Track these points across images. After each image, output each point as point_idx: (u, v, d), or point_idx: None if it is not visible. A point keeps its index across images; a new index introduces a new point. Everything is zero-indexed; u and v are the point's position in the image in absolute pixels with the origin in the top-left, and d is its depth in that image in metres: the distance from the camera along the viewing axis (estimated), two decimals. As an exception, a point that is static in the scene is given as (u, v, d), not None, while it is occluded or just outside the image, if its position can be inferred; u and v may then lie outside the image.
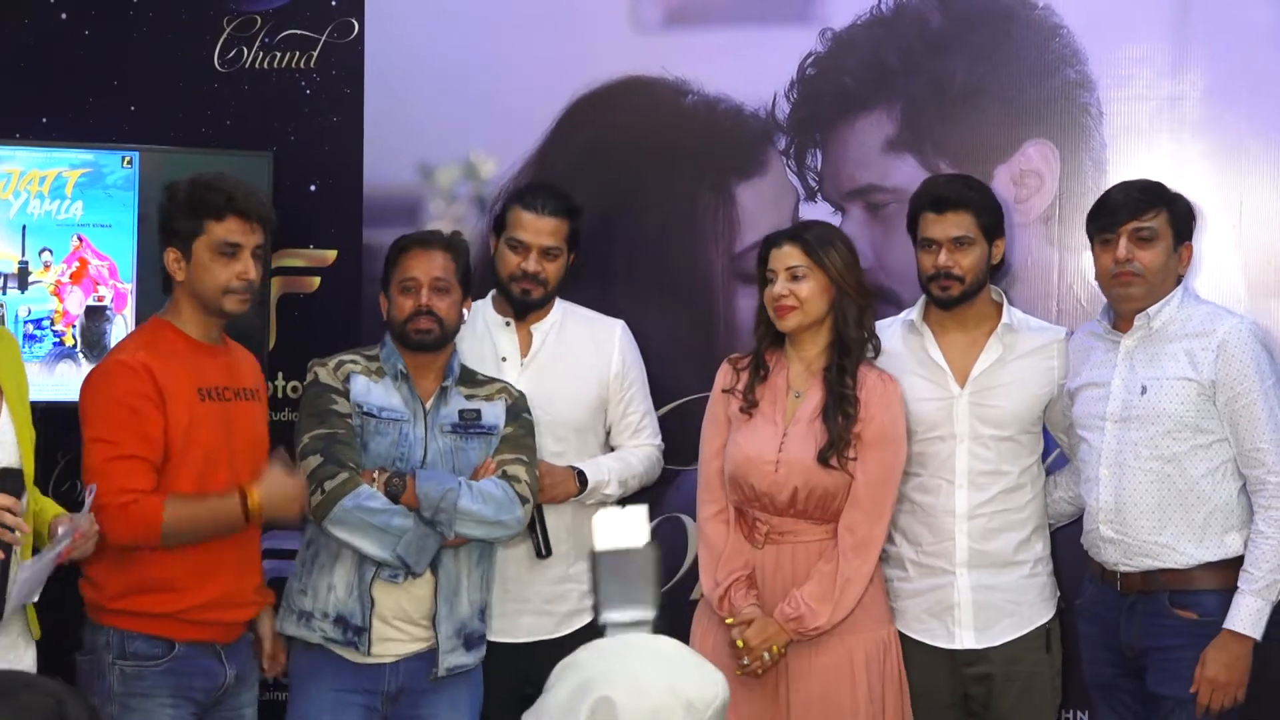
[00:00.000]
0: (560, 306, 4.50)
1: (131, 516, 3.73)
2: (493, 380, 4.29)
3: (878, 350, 4.16)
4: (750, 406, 4.13)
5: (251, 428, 3.97)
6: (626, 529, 3.48)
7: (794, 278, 4.05)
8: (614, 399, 4.49)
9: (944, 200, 4.15)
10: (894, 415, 4.10)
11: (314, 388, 4.13)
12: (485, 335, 4.45)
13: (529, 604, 4.36)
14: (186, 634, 3.84)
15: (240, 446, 3.91)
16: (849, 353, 4.08)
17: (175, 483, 3.80)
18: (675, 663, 2.27)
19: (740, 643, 4.00)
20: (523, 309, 4.42)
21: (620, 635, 2.73)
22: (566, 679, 2.26)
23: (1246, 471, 3.98)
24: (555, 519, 4.34)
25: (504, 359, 4.42)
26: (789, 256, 4.06)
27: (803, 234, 4.11)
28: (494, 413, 4.19)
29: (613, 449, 4.52)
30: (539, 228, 4.36)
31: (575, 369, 4.44)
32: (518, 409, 4.24)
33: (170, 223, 3.90)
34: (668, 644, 2.34)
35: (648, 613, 3.32)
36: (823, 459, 4.03)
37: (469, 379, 4.25)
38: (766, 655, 4.01)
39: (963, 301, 4.17)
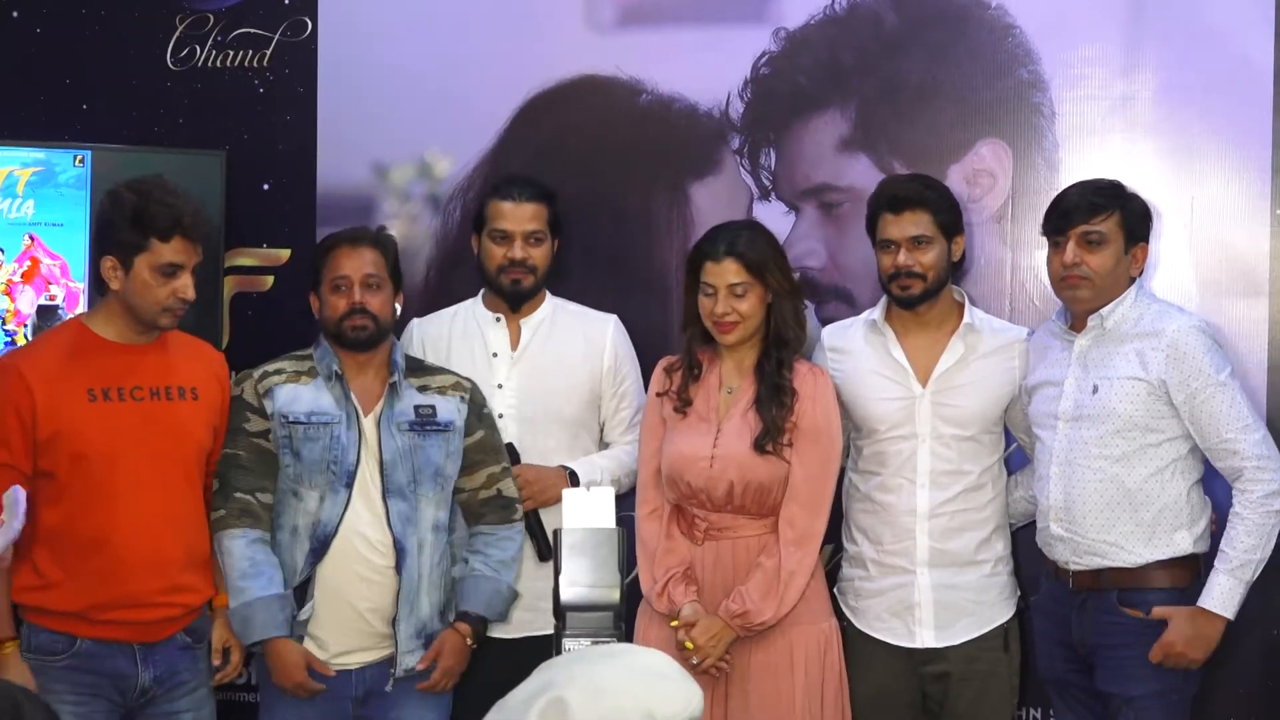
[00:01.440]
0: (550, 302, 4.53)
1: None
2: (442, 370, 4.29)
3: (808, 345, 4.21)
4: (684, 405, 4.14)
5: (177, 427, 3.93)
6: (593, 509, 3.49)
7: (734, 295, 4.05)
8: (607, 394, 4.51)
9: (901, 200, 4.17)
10: (825, 407, 4.12)
11: (235, 403, 4.15)
12: (476, 332, 4.48)
13: (521, 600, 4.35)
14: (91, 631, 3.83)
15: (163, 446, 3.89)
16: (786, 345, 4.11)
17: (62, 481, 3.80)
18: (649, 674, 2.25)
19: (689, 644, 4.01)
20: (515, 299, 4.44)
21: (610, 645, 2.72)
22: (535, 677, 2.26)
23: (1219, 464, 4.02)
24: (549, 516, 4.34)
25: (494, 354, 4.44)
26: (729, 273, 4.05)
27: (738, 247, 4.07)
28: (448, 408, 4.18)
29: (606, 446, 4.54)
30: (519, 215, 4.40)
31: (566, 363, 4.46)
32: (479, 405, 4.25)
33: (113, 232, 3.86)
34: (653, 656, 2.33)
35: (609, 592, 3.33)
36: (759, 446, 4.04)
37: (416, 367, 4.25)
38: (714, 655, 4.02)
39: (924, 300, 4.18)
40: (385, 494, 4.07)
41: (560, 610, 3.50)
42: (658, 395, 4.21)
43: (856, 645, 4.25)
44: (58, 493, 3.81)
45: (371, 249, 4.16)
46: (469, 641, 4.14)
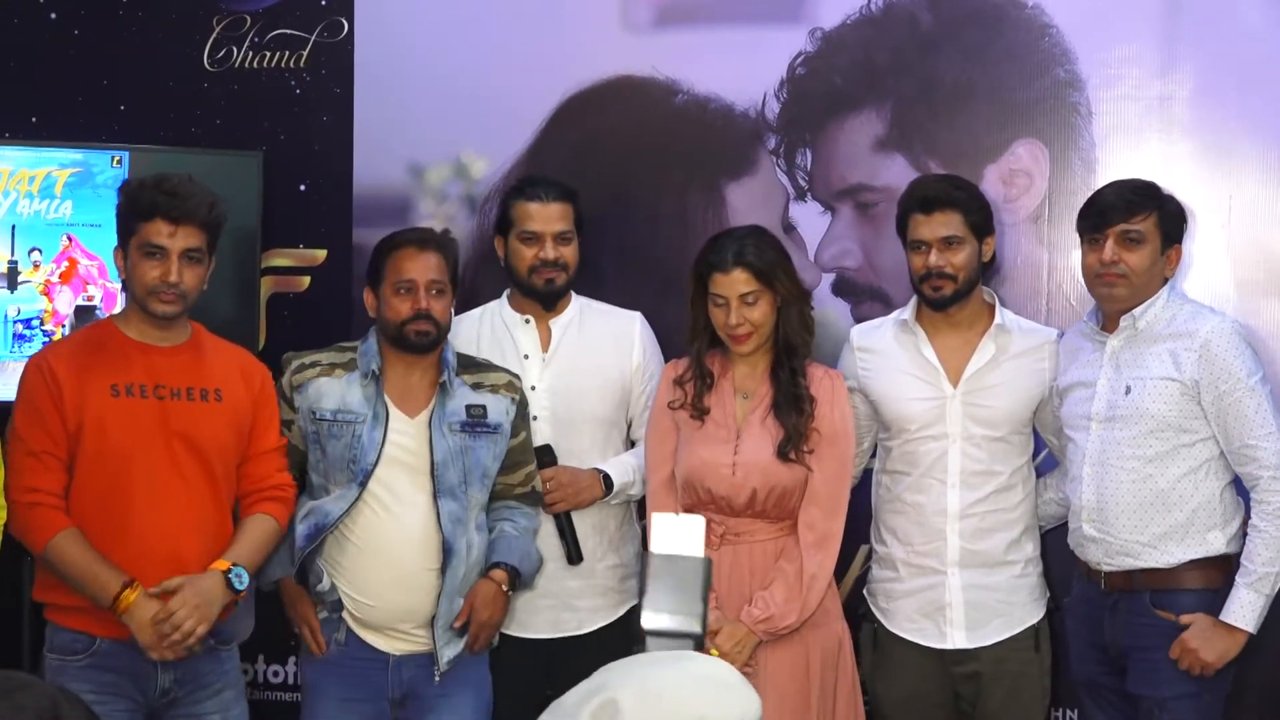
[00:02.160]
0: (577, 302, 4.55)
1: (30, 518, 3.79)
2: (494, 367, 4.29)
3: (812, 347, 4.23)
4: (701, 414, 4.14)
5: (198, 428, 3.92)
6: (683, 537, 3.50)
7: (746, 304, 4.05)
8: (636, 391, 4.52)
9: (931, 201, 4.17)
10: (843, 410, 4.14)
11: (276, 386, 4.21)
12: (505, 334, 4.49)
13: (554, 600, 4.39)
14: (109, 630, 3.82)
15: (180, 446, 3.89)
16: (796, 353, 4.11)
17: (85, 475, 3.82)
18: (708, 680, 2.24)
19: (714, 651, 4.00)
20: (549, 299, 4.46)
21: (670, 651, 2.72)
22: (591, 679, 2.26)
23: (1239, 469, 4.01)
24: (580, 517, 4.40)
25: (525, 356, 4.45)
26: (739, 283, 4.04)
27: (745, 256, 4.06)
28: (499, 409, 4.18)
29: (633, 442, 4.55)
30: (547, 215, 4.41)
31: (597, 362, 4.48)
32: (523, 406, 4.27)
33: (118, 221, 3.94)
34: (712, 664, 2.32)
35: (691, 621, 3.34)
36: (782, 453, 4.05)
37: (469, 364, 4.24)
38: (739, 661, 4.02)
39: (956, 301, 4.19)
40: (436, 495, 4.07)
41: (641, 635, 3.50)
42: (669, 406, 4.20)
43: (887, 647, 4.27)
44: (77, 486, 3.84)
45: (437, 253, 4.14)
46: (504, 588, 4.14)
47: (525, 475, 4.25)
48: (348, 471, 4.07)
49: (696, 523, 3.54)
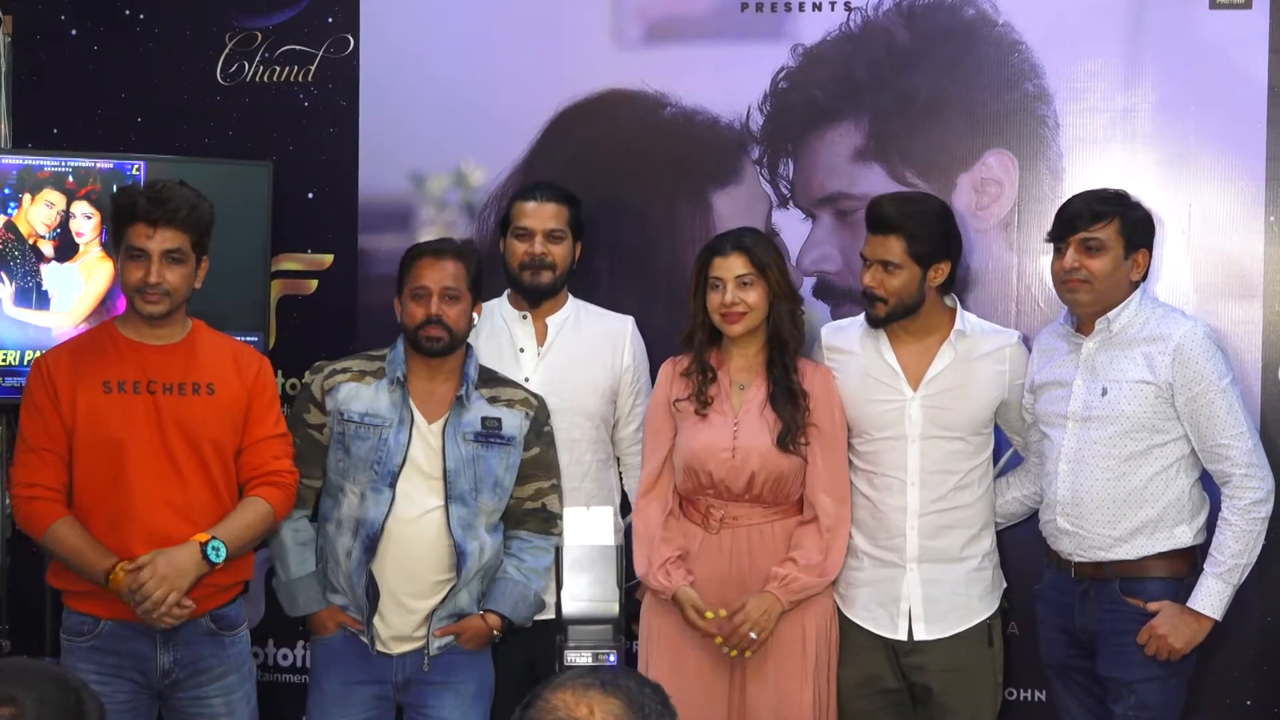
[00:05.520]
0: (573, 303, 4.66)
1: (28, 511, 3.93)
2: (514, 383, 4.39)
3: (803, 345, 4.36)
4: (704, 406, 4.28)
5: (190, 420, 4.00)
6: (593, 527, 3.66)
7: (741, 285, 4.22)
8: (624, 391, 4.63)
9: (878, 222, 4.27)
10: (836, 402, 4.30)
11: (301, 393, 4.33)
12: (503, 329, 4.59)
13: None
14: (111, 612, 3.93)
15: (172, 438, 3.98)
16: (787, 348, 4.27)
17: (83, 466, 3.93)
18: None
19: (723, 613, 4.17)
20: (535, 295, 4.56)
21: None
22: None
23: (1210, 466, 4.12)
24: (570, 500, 4.47)
25: (521, 349, 4.56)
26: (736, 266, 4.23)
27: (744, 243, 4.25)
28: (513, 423, 4.29)
29: (617, 439, 4.67)
30: (540, 214, 4.54)
31: (590, 359, 4.59)
32: (540, 423, 4.36)
33: (111, 230, 4.06)
34: None
35: (608, 606, 3.49)
36: (782, 443, 4.21)
37: (489, 378, 4.34)
38: (754, 636, 4.17)
39: (889, 321, 4.29)
40: (448, 499, 4.18)
41: (562, 624, 3.68)
42: (674, 402, 4.34)
43: (845, 632, 4.35)
44: (77, 478, 3.96)
45: (454, 261, 4.26)
46: (495, 632, 4.26)
47: (535, 490, 4.34)
48: (370, 472, 4.18)
49: (605, 513, 3.73)
